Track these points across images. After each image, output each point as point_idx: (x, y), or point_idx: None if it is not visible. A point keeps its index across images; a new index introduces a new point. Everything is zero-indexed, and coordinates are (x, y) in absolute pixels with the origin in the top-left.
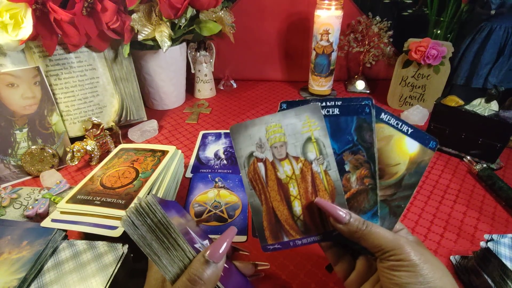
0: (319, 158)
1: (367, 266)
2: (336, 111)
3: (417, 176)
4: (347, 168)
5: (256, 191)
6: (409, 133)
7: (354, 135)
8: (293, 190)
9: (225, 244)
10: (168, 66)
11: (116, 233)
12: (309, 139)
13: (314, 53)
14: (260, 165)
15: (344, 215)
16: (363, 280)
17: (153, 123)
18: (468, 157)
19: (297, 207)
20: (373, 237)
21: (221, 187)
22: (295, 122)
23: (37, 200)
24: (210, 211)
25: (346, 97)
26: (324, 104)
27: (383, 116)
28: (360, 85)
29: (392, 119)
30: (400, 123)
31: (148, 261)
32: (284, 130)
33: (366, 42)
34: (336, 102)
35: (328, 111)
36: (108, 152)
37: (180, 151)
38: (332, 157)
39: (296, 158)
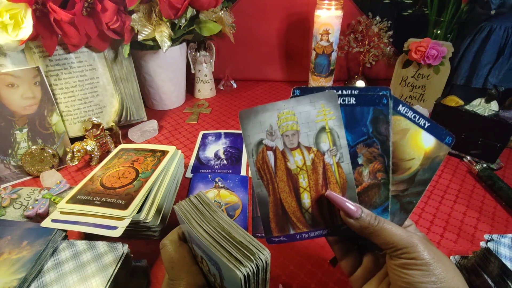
0: (333, 149)
1: (374, 262)
2: (352, 100)
3: (430, 172)
4: (360, 161)
5: (263, 181)
6: (426, 127)
7: (370, 127)
8: (303, 181)
9: None
10: (168, 66)
11: (116, 233)
12: (323, 129)
13: (314, 53)
14: (270, 154)
15: (355, 210)
16: (370, 276)
17: (153, 123)
18: (468, 157)
19: (306, 199)
20: (385, 234)
21: (221, 187)
22: (309, 109)
23: (37, 200)
24: None
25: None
26: (340, 92)
27: (400, 108)
28: (360, 85)
29: (410, 111)
30: (418, 116)
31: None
32: (297, 118)
33: (366, 42)
34: (353, 91)
35: (343, 100)
36: (108, 152)
37: (180, 151)
38: (346, 149)
39: (308, 148)
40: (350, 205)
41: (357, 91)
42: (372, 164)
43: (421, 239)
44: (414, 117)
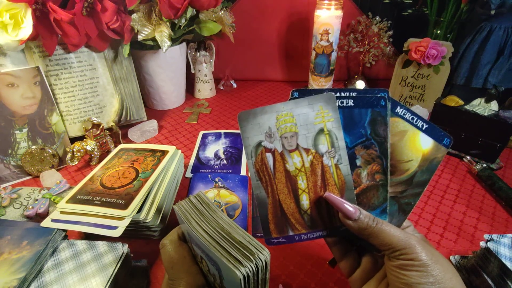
0: (331, 151)
1: (372, 263)
2: (350, 102)
3: (428, 174)
4: (358, 162)
5: (262, 182)
6: (424, 128)
7: (368, 128)
8: (302, 183)
9: None
10: (168, 66)
11: (116, 233)
12: (321, 131)
13: (314, 53)
14: (269, 156)
15: (354, 211)
16: (369, 277)
17: (153, 123)
18: (468, 157)
19: (305, 201)
20: (383, 235)
21: (221, 187)
22: (307, 111)
23: (37, 200)
24: None
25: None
26: (338, 94)
27: (398, 109)
28: (360, 85)
29: (408, 113)
30: (416, 118)
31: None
32: (296, 120)
33: (366, 42)
34: (351, 93)
35: (342, 102)
36: (108, 152)
37: (180, 151)
38: (344, 150)
39: (307, 150)
40: (349, 207)
41: (355, 93)
42: (371, 165)
43: (419, 240)
44: (412, 118)
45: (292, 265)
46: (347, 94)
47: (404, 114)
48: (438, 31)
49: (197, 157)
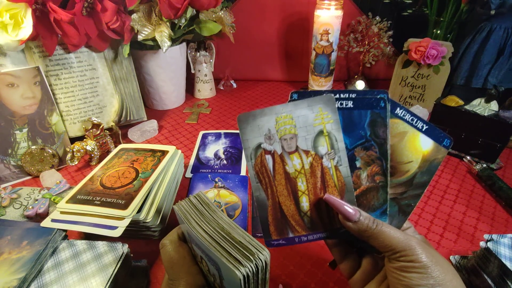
0: (331, 152)
1: (373, 264)
2: (350, 104)
3: (429, 175)
4: (358, 164)
5: (262, 184)
6: (424, 130)
7: (367, 130)
8: (302, 185)
9: None
10: (168, 66)
11: (116, 233)
12: (321, 133)
13: (314, 53)
14: (268, 158)
15: (354, 213)
16: (369, 279)
17: (153, 123)
18: (468, 157)
19: (305, 203)
20: (383, 237)
21: (221, 187)
22: (307, 113)
23: (37, 200)
24: None
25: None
26: (337, 96)
27: (398, 111)
28: (360, 85)
29: (408, 114)
30: (415, 119)
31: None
32: (295, 122)
33: (366, 42)
34: (350, 95)
35: (341, 104)
36: (108, 152)
37: (180, 151)
38: (344, 152)
39: (306, 152)
40: (349, 208)
41: (355, 95)
42: (370, 167)
43: (420, 242)
44: (412, 120)
45: (292, 265)
46: (347, 96)
47: (403, 115)
48: (438, 31)
49: (197, 157)
